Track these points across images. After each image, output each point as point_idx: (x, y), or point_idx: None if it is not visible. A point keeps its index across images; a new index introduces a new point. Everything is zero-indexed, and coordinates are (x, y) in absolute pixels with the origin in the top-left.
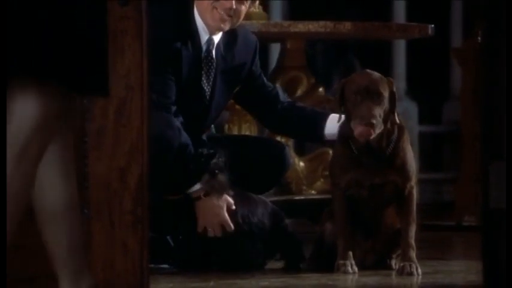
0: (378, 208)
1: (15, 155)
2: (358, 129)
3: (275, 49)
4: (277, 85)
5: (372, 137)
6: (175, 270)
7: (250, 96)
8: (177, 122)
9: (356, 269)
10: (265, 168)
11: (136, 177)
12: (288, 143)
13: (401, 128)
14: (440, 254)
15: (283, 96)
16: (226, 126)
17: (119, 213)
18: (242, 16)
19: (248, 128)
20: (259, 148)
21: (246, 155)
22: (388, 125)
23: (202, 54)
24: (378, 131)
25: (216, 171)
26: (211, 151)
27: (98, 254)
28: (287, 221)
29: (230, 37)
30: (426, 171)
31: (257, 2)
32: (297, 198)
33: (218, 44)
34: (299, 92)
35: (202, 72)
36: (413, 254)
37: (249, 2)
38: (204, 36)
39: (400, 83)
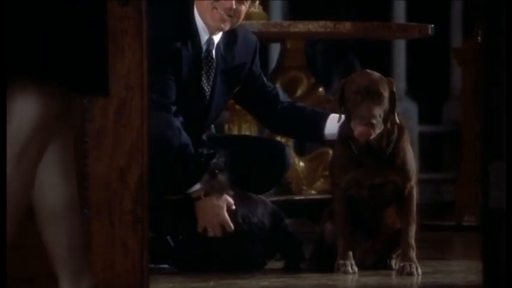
0: (378, 208)
1: (15, 155)
2: (358, 129)
3: (275, 49)
4: (277, 85)
5: (372, 137)
6: (175, 270)
7: (250, 96)
8: (177, 122)
9: (356, 269)
10: (265, 168)
11: (136, 177)
12: (288, 143)
13: (401, 128)
14: (440, 254)
15: (283, 96)
16: (226, 126)
17: (119, 213)
18: (242, 16)
19: (248, 128)
20: (259, 148)
21: (246, 155)
22: (388, 125)
23: (202, 54)
24: (377, 131)
25: (216, 171)
26: (211, 151)
27: (98, 254)
28: (287, 221)
29: (230, 37)
30: (426, 171)
31: (257, 2)
32: (297, 198)
33: (218, 44)
34: (299, 92)
35: (202, 72)
36: (413, 254)
37: (249, 2)
38: (204, 36)
39: (400, 83)
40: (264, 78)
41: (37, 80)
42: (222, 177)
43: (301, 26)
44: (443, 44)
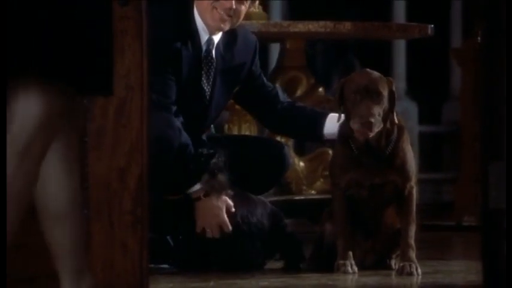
0: (378, 208)
1: (17, 153)
2: (356, 128)
3: (275, 49)
4: (277, 85)
5: (370, 135)
6: (175, 270)
7: (250, 96)
8: (178, 122)
9: (356, 269)
10: (265, 168)
11: (136, 177)
12: (288, 143)
13: (401, 128)
14: (440, 254)
15: (283, 96)
16: (226, 126)
17: (119, 213)
18: (242, 16)
19: (248, 128)
20: (259, 148)
21: (246, 155)
22: (388, 125)
23: (202, 54)
24: (376, 129)
25: (216, 171)
26: (211, 151)
27: (98, 254)
28: (286, 221)
29: (230, 37)
30: (426, 171)
31: (257, 2)
32: (296, 198)
33: (218, 44)
34: (299, 92)
35: (202, 72)
36: (413, 254)
37: (248, 2)
38: (204, 36)
39: (400, 83)
40: (264, 78)
41: (41, 79)
42: (221, 177)
43: (301, 26)
44: (443, 44)
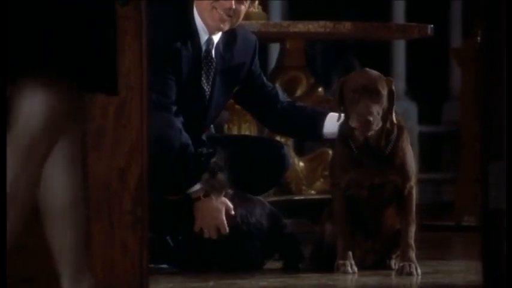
0: (378, 208)
1: (22, 153)
2: (355, 126)
3: (274, 49)
4: (277, 85)
5: (369, 133)
6: (175, 270)
7: (250, 96)
8: (178, 122)
9: (356, 269)
10: (265, 168)
11: (136, 177)
12: (288, 143)
13: (400, 128)
14: (440, 254)
15: (282, 96)
16: (225, 126)
17: (119, 213)
18: (241, 16)
19: (248, 128)
20: (258, 148)
21: (246, 155)
22: (388, 125)
23: (202, 54)
24: (375, 128)
25: (216, 170)
26: (211, 150)
27: (98, 254)
28: (286, 221)
29: (229, 37)
30: (426, 172)
31: (256, 2)
32: (296, 198)
33: (217, 43)
34: (298, 92)
35: (202, 72)
36: (412, 254)
37: (248, 2)
38: (203, 36)
39: (400, 83)
40: (264, 78)
41: (46, 77)
42: (221, 176)
43: (300, 26)
44: (443, 44)
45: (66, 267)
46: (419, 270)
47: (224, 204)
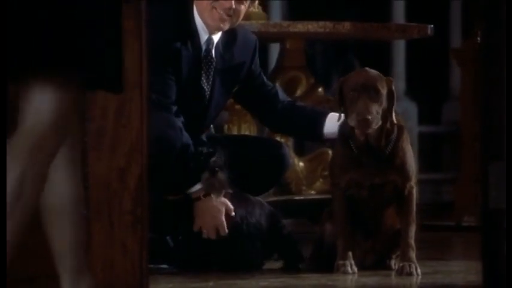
0: (378, 208)
1: (30, 149)
2: (354, 124)
3: (274, 49)
4: (277, 84)
5: (368, 131)
6: (175, 271)
7: (250, 95)
8: (179, 122)
9: (356, 269)
10: (265, 168)
11: (136, 177)
12: (288, 143)
13: (400, 128)
14: (440, 255)
15: (282, 95)
16: (225, 127)
17: (119, 213)
18: (241, 16)
19: (247, 128)
20: (258, 148)
21: (246, 155)
22: (388, 125)
23: (202, 54)
24: (374, 126)
25: (216, 168)
26: (211, 150)
27: (98, 254)
28: (286, 221)
29: (229, 36)
30: (426, 172)
31: (256, 2)
32: (296, 198)
33: (217, 43)
34: (298, 92)
35: (202, 72)
36: (412, 254)
37: (248, 2)
38: (203, 36)
39: (400, 83)
40: (264, 77)
41: (55, 77)
42: (221, 175)
43: (300, 26)
44: (443, 45)
45: (66, 268)
46: (419, 271)
47: (224, 205)
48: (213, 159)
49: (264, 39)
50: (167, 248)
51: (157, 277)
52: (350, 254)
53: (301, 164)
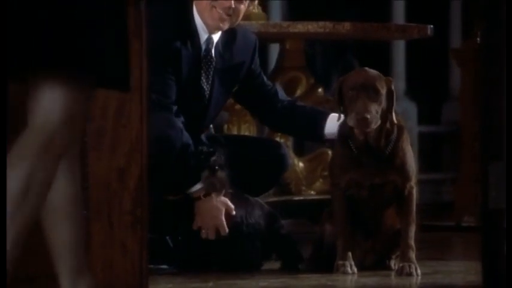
0: (378, 208)
1: (39, 146)
2: (353, 123)
3: (274, 49)
4: (277, 84)
5: (367, 130)
6: (175, 271)
7: (250, 95)
8: (179, 122)
9: (355, 269)
10: (265, 168)
11: (135, 177)
12: (288, 143)
13: (400, 128)
14: (440, 255)
15: (282, 95)
16: (225, 127)
17: (118, 213)
18: (241, 15)
19: (247, 129)
20: (258, 148)
21: (245, 155)
22: (388, 125)
23: (202, 54)
24: (373, 126)
25: (216, 167)
26: (211, 149)
27: (97, 254)
28: (285, 221)
29: (229, 36)
30: (425, 172)
31: (256, 2)
32: (296, 198)
33: (217, 43)
34: (298, 93)
35: (202, 72)
36: (412, 254)
37: (247, 1)
38: (203, 36)
39: (400, 84)
40: (264, 77)
41: (64, 75)
42: (222, 174)
43: (300, 27)
44: (443, 45)
45: (66, 268)
46: (419, 271)
47: (225, 205)
48: (213, 158)
49: (264, 40)
50: (167, 248)
51: (157, 277)
52: (350, 254)
53: (301, 164)
